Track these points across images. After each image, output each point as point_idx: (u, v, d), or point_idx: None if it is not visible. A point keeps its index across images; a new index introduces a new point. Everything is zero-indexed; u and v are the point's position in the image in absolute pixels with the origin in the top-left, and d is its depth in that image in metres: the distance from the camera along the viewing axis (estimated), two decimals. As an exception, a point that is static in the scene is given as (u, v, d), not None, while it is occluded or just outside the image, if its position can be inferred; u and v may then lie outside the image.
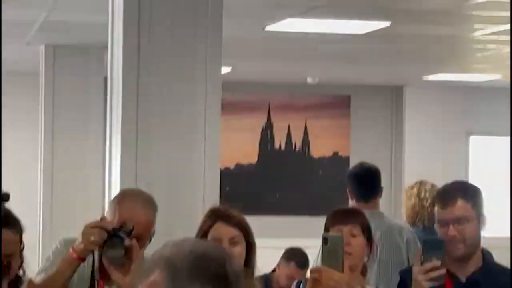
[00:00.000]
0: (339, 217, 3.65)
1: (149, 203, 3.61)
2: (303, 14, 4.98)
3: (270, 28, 5.35)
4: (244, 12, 5.00)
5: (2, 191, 3.01)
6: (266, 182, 7.80)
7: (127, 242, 3.18)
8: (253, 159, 7.93)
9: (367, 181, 5.09)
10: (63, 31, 6.09)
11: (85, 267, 3.54)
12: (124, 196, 3.61)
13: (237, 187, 7.43)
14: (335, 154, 8.23)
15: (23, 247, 3.15)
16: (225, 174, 7.02)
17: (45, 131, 6.44)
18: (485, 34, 5.55)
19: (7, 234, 3.05)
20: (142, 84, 4.30)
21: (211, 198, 4.75)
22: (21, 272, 3.29)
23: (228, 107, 6.72)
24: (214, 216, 3.46)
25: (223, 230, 3.40)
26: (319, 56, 6.51)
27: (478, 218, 3.37)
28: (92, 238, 3.33)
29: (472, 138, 9.29)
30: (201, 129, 4.60)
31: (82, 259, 3.42)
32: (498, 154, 9.07)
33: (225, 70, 5.57)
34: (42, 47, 6.67)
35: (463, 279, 3.18)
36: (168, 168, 4.78)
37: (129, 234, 3.30)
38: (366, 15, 5.17)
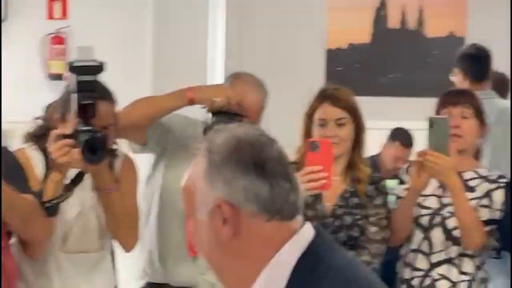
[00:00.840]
0: (450, 98, 3.54)
1: (261, 88, 3.60)
2: None
3: None
4: None
5: (96, 61, 3.02)
6: (378, 63, 7.66)
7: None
8: (366, 38, 7.78)
9: (482, 62, 4.94)
10: None
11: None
12: (236, 79, 3.59)
13: (349, 68, 7.35)
14: (451, 34, 7.98)
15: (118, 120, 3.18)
16: (337, 54, 6.91)
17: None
18: None
19: (101, 105, 3.08)
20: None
21: (316, 77, 4.72)
22: (116, 146, 3.33)
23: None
24: (322, 96, 3.41)
25: (329, 111, 3.36)
26: None
27: None
28: (217, 98, 3.33)
29: None
30: (307, 7, 4.52)
31: (192, 103, 3.42)
32: None
33: None
34: None
35: None
36: (271, 46, 4.74)
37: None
38: None
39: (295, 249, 1.50)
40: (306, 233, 1.54)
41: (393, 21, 7.87)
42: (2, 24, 6.72)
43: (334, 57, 6.84)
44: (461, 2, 8.16)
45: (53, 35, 6.77)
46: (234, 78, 3.61)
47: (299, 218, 1.58)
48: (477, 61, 4.89)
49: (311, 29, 5.16)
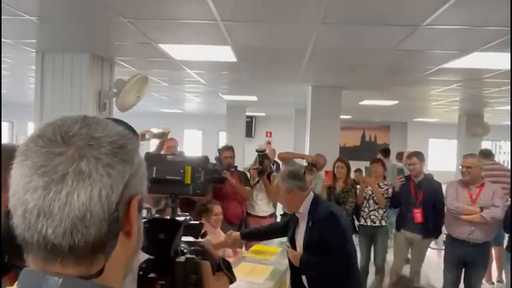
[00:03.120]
0: (374, 161, 7.82)
1: (325, 159, 8.52)
2: None
3: None
4: None
5: (262, 149, 7.87)
6: None
7: None
8: None
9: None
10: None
11: None
12: (318, 155, 8.32)
13: None
14: None
15: None
16: None
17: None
18: None
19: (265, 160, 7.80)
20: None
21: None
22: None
23: None
24: None
25: None
26: None
27: None
28: (308, 159, 8.16)
29: None
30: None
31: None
32: None
33: None
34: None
35: None
36: None
37: None
38: None
39: (310, 197, 4.83)
40: (311, 194, 4.88)
41: None
42: (252, 138, 15.51)
43: None
44: None
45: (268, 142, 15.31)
46: (317, 155, 8.46)
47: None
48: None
49: None
